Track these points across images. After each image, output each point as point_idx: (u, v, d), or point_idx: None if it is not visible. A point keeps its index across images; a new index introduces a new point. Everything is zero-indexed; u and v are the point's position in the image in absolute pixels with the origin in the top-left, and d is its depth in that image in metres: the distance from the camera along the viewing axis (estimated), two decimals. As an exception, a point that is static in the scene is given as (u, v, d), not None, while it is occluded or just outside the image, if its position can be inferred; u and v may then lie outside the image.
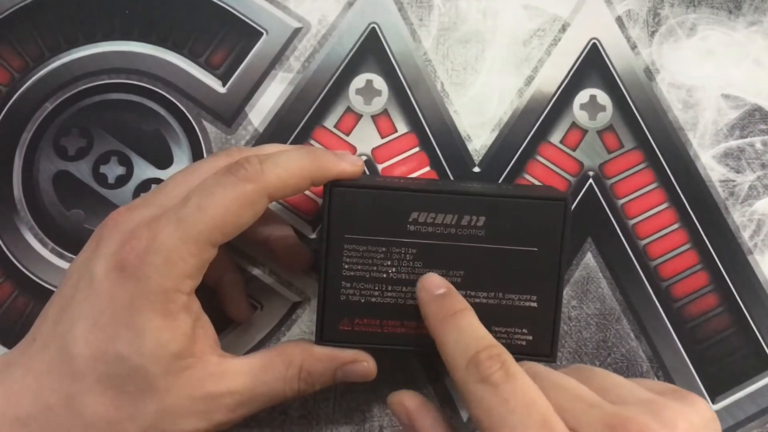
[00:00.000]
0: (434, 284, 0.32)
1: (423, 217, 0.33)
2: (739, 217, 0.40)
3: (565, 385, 0.28)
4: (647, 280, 0.40)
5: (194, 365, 0.30)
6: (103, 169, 0.39)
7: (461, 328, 0.30)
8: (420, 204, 0.33)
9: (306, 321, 0.39)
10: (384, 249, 0.33)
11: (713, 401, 0.39)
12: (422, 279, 0.32)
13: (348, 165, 0.33)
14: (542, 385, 0.28)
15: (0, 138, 0.39)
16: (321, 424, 0.39)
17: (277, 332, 0.39)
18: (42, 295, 0.39)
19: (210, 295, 0.37)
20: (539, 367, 0.30)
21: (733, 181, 0.40)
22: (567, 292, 0.39)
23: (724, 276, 0.40)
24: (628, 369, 0.39)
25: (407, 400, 0.31)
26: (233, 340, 0.39)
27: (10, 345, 0.38)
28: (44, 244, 0.39)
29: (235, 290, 0.37)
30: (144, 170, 0.40)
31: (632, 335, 0.39)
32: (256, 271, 0.39)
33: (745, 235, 0.40)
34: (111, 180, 0.39)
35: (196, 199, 0.30)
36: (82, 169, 0.39)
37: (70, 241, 0.39)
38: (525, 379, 0.27)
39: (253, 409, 0.32)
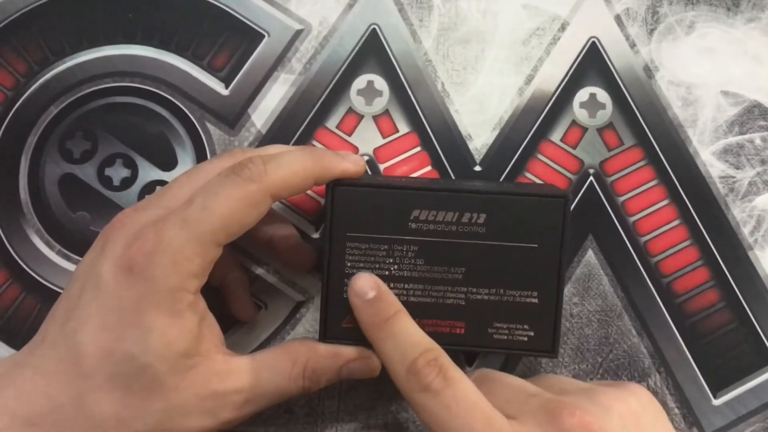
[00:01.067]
0: (365, 287, 0.32)
1: (424, 215, 0.33)
2: (739, 213, 0.40)
3: (511, 383, 0.30)
4: (648, 277, 0.40)
5: (200, 364, 0.31)
6: (108, 171, 0.40)
7: (395, 334, 0.31)
8: (421, 202, 0.33)
9: (310, 320, 0.40)
10: (386, 247, 0.33)
11: (715, 396, 0.40)
12: (352, 282, 0.33)
13: (350, 164, 0.33)
14: (490, 386, 0.30)
15: (6, 142, 0.40)
16: (326, 422, 0.39)
17: (282, 331, 0.40)
18: (49, 297, 0.39)
19: (215, 295, 0.37)
20: (489, 371, 0.32)
21: (733, 177, 0.40)
22: (568, 289, 0.40)
23: (724, 272, 0.40)
24: (629, 365, 0.40)
25: None
26: (238, 340, 0.39)
27: (17, 347, 0.39)
28: (51, 247, 0.40)
29: (239, 289, 0.38)
30: (149, 172, 0.40)
31: (634, 332, 0.40)
32: (260, 271, 0.40)
33: (746, 230, 0.40)
34: (116, 182, 0.40)
35: (200, 200, 0.30)
36: (87, 172, 0.40)
37: (77, 243, 0.39)
38: (463, 381, 0.29)
39: (258, 406, 0.32)
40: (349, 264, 0.33)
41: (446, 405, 0.28)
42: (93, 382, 0.29)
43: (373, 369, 0.34)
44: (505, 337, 0.34)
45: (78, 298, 0.31)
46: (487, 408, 0.28)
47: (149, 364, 0.29)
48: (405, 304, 0.33)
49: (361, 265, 0.33)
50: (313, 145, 0.40)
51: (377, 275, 0.33)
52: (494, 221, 0.33)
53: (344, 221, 0.33)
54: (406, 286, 0.33)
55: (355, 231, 0.33)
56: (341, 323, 0.34)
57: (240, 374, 0.32)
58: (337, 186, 0.33)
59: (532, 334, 0.34)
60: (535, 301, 0.33)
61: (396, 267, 0.33)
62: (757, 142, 0.40)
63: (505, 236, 0.33)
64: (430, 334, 0.33)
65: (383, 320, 0.31)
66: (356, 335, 0.34)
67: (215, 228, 0.30)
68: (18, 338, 0.39)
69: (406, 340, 0.31)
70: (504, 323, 0.34)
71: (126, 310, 0.30)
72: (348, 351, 0.34)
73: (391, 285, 0.33)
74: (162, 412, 0.30)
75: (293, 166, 0.32)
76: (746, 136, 0.40)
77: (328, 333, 0.34)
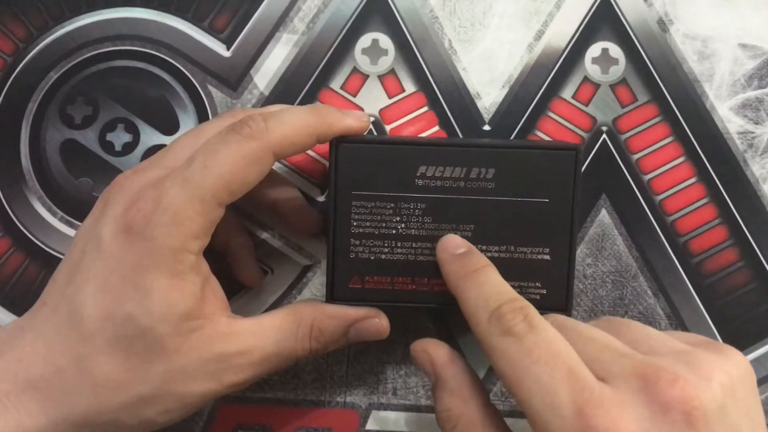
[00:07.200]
0: (454, 244, 0.32)
1: (431, 171, 0.32)
2: (758, 169, 0.39)
3: (594, 336, 0.27)
4: (664, 236, 0.39)
5: (204, 326, 0.30)
6: (109, 136, 0.39)
7: (482, 283, 0.29)
8: (428, 157, 0.32)
9: (317, 284, 0.39)
10: (392, 205, 0.32)
11: (734, 357, 0.38)
12: (442, 240, 0.32)
13: (353, 120, 0.32)
14: (569, 337, 0.27)
15: (6, 108, 0.39)
16: (335, 387, 0.38)
17: (288, 296, 0.39)
18: (52, 264, 0.39)
19: (221, 260, 0.37)
20: (566, 320, 0.29)
21: (752, 132, 0.39)
22: (582, 249, 0.39)
23: (743, 230, 0.39)
24: (646, 326, 0.38)
25: (431, 348, 0.31)
26: (244, 305, 0.39)
27: (21, 314, 0.38)
28: (53, 213, 0.39)
29: (244, 253, 0.37)
30: (150, 137, 0.39)
31: (650, 292, 0.39)
32: (265, 235, 0.39)
33: (765, 187, 0.39)
34: (118, 147, 0.39)
35: (201, 159, 0.30)
36: (88, 138, 0.39)
37: (79, 209, 0.39)
38: (549, 330, 0.27)
39: (264, 369, 0.32)
40: (355, 223, 0.32)
41: (528, 349, 0.26)
42: (94, 345, 0.29)
43: (381, 330, 0.33)
44: (517, 297, 0.33)
45: (79, 261, 0.30)
46: (573, 360, 0.26)
47: (150, 327, 0.29)
48: (413, 263, 0.32)
49: (368, 224, 0.32)
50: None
51: (383, 234, 0.32)
52: (503, 176, 0.32)
53: (349, 179, 0.32)
54: (413, 244, 0.32)
55: (360, 189, 0.32)
56: (348, 284, 0.33)
57: (244, 336, 0.31)
58: (341, 143, 0.32)
59: (544, 291, 0.33)
60: (547, 257, 0.32)
61: (403, 225, 0.32)
62: (777, 95, 0.39)
63: (515, 191, 0.32)
64: (439, 293, 0.32)
65: (471, 271, 0.30)
66: (364, 296, 0.33)
67: (216, 187, 0.29)
68: (22, 305, 0.39)
69: (493, 289, 0.29)
70: (515, 281, 0.33)
71: (127, 272, 0.29)
72: (355, 311, 0.33)
73: (399, 244, 0.33)
74: (165, 375, 0.29)
75: (294, 123, 0.31)
76: (765, 90, 0.39)
77: (335, 294, 0.33)
